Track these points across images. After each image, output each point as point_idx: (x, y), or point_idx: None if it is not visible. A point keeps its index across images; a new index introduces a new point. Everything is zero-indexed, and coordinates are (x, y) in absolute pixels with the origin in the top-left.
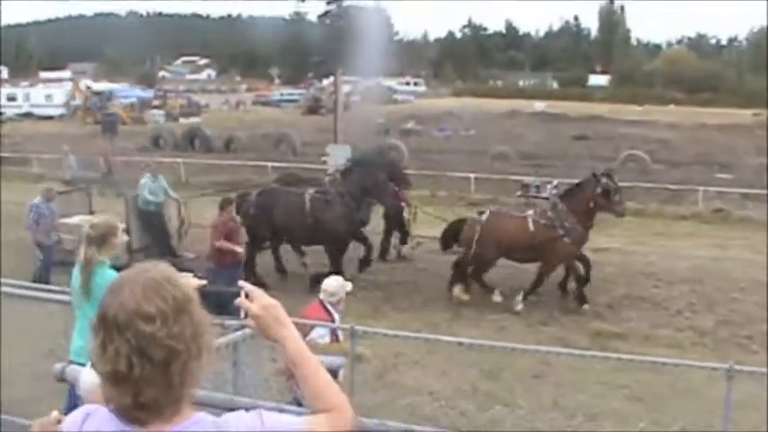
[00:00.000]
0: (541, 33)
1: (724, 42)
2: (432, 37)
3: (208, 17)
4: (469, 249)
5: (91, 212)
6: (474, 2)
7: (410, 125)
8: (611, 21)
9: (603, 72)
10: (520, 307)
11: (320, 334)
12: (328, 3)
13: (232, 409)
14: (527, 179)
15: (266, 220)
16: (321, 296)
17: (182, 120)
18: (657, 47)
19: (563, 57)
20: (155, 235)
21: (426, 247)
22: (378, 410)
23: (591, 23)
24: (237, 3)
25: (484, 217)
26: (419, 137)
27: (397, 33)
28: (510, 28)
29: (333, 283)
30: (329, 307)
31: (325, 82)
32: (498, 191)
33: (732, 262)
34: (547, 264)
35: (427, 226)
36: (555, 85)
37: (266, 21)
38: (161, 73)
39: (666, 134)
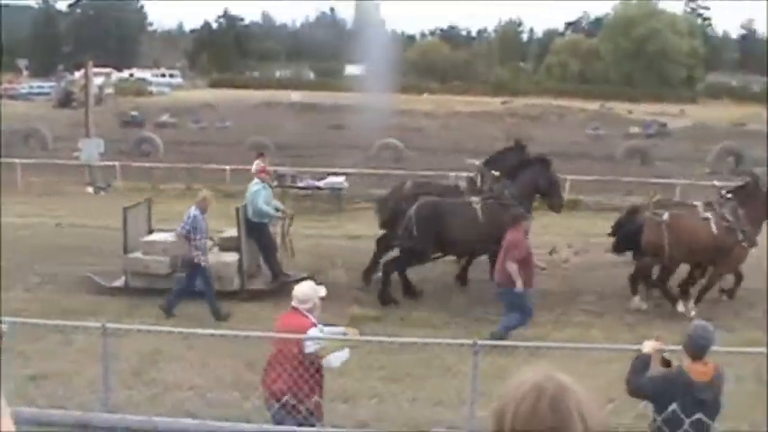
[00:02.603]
0: (297, 24)
1: (474, 34)
2: (187, 27)
3: None
4: (656, 254)
5: (150, 231)
6: None
7: (165, 117)
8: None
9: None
10: (693, 314)
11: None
12: None
13: None
14: (282, 169)
15: (434, 234)
16: (293, 303)
17: None
18: (411, 38)
19: (319, 47)
20: (265, 252)
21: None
22: (135, 408)
23: (347, 15)
24: None
25: (665, 217)
26: (174, 129)
27: (151, 24)
28: (266, 18)
29: (304, 289)
30: (307, 314)
31: (77, 74)
32: None
33: None
34: (722, 267)
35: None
36: (311, 75)
37: (12, 8)
38: None
39: (422, 122)
